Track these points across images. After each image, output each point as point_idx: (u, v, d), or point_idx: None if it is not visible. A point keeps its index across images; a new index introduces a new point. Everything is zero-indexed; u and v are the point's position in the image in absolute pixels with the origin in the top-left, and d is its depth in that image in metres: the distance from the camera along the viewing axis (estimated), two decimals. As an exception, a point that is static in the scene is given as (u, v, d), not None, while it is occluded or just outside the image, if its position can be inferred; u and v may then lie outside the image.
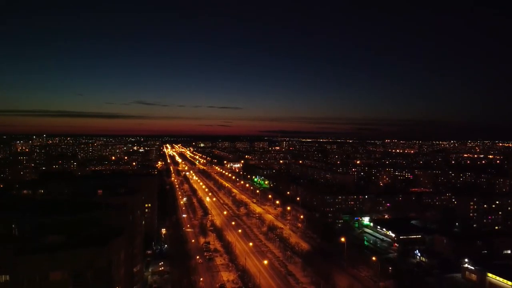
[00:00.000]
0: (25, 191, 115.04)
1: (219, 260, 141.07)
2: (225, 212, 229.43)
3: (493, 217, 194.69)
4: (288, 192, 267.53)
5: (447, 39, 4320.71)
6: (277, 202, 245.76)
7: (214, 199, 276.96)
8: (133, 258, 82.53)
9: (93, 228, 61.20)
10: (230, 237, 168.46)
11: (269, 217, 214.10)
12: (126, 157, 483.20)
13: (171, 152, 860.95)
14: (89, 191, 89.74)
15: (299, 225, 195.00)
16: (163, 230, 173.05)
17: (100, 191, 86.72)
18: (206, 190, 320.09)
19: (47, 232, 57.42)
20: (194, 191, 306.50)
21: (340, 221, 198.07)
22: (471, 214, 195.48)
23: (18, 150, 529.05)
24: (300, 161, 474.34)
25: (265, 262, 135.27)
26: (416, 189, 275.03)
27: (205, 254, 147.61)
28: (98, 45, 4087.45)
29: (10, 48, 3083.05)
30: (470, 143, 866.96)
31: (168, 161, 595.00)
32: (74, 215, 62.81)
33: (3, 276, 51.65)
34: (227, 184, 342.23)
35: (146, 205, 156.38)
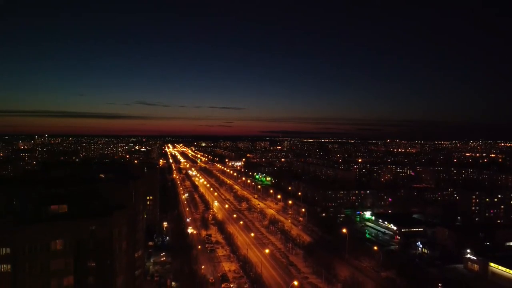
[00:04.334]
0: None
1: (220, 252, 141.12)
2: (226, 206, 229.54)
3: (495, 211, 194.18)
4: (289, 188, 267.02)
5: (447, 39, 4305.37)
6: (279, 197, 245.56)
7: (216, 194, 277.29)
8: (134, 243, 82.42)
9: (95, 200, 61.40)
10: (232, 230, 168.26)
11: (271, 212, 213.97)
12: (128, 156, 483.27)
13: (173, 151, 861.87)
14: (91, 176, 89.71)
15: (301, 219, 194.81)
16: (165, 224, 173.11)
17: (102, 176, 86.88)
18: (208, 186, 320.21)
19: (48, 203, 57.60)
20: (195, 187, 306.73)
21: (342, 215, 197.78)
22: (473, 208, 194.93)
23: (21, 148, 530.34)
24: (302, 159, 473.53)
25: (267, 251, 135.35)
26: (418, 185, 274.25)
27: (207, 245, 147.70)
28: (98, 45, 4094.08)
29: (10, 48, 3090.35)
30: (472, 143, 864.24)
31: (170, 160, 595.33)
32: (75, 187, 62.86)
33: (3, 249, 51.66)
34: (228, 181, 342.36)
35: (148, 197, 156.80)
